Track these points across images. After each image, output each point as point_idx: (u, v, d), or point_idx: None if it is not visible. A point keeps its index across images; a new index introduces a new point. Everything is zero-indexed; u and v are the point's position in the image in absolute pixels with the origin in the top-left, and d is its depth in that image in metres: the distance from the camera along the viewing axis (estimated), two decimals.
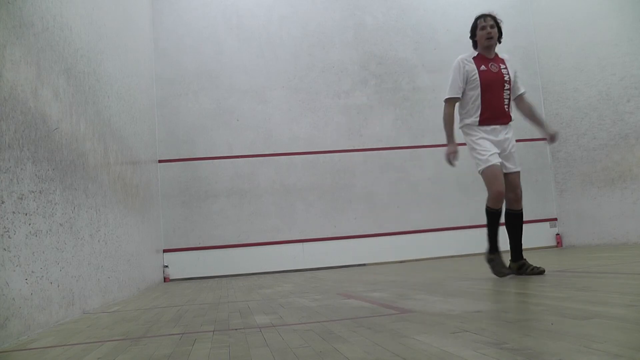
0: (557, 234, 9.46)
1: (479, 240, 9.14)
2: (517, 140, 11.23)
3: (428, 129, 9.39)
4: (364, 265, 8.82)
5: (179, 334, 2.60)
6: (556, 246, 9.42)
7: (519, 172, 4.25)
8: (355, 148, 9.30)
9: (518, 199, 4.24)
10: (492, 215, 4.12)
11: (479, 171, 4.15)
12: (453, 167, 4.43)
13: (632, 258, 5.18)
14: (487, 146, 4.09)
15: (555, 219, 9.52)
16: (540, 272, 4.09)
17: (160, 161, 8.74)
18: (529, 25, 9.92)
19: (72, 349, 2.39)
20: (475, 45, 4.38)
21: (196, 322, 3.02)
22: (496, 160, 4.05)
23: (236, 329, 2.58)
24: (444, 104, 4.30)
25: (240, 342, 2.20)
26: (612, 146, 8.19)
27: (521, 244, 4.24)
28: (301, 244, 8.88)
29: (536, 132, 9.59)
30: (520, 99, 4.37)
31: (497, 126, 4.15)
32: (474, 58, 4.26)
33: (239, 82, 9.21)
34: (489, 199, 4.09)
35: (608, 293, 2.80)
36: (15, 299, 2.71)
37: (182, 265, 8.51)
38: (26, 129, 3.00)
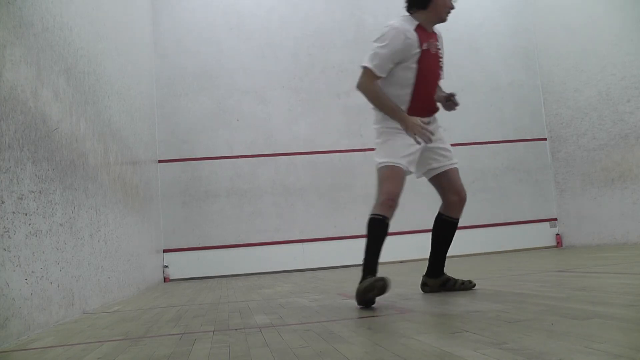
0: (557, 234, 9.46)
1: (478, 240, 9.20)
2: (517, 141, 11.17)
3: None
4: None
5: (179, 334, 2.60)
6: (556, 246, 9.41)
7: (457, 168, 3.60)
8: (355, 148, 9.29)
9: (462, 203, 3.64)
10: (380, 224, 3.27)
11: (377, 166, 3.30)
12: (429, 142, 3.28)
13: (632, 258, 5.18)
14: (407, 141, 3.24)
15: (555, 219, 9.52)
16: (472, 286, 3.49)
17: (160, 161, 8.73)
18: (529, 25, 9.91)
19: (72, 349, 2.39)
20: (414, 8, 3.25)
21: (196, 322, 3.02)
22: (405, 164, 3.25)
23: (236, 329, 2.58)
24: (362, 70, 3.31)
25: (240, 342, 2.20)
26: (612, 146, 8.18)
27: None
28: (301, 244, 8.88)
29: (536, 132, 9.72)
30: None
31: (425, 118, 3.32)
32: (416, 30, 3.20)
33: (239, 82, 9.20)
34: (377, 203, 3.32)
35: (608, 293, 2.80)
36: (15, 299, 2.71)
37: (182, 265, 8.51)
38: (26, 129, 3.00)
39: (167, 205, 8.67)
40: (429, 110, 3.36)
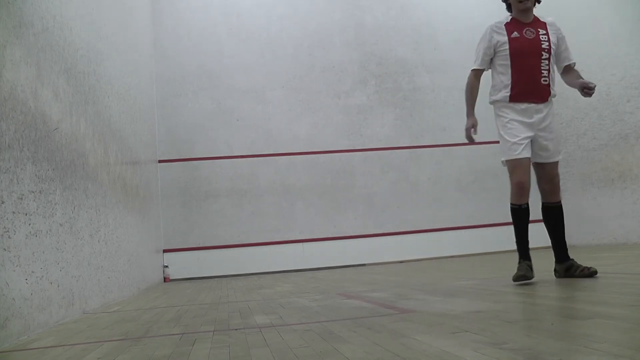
0: None
1: (478, 240, 9.20)
2: None
3: (428, 129, 9.38)
4: (364, 265, 8.82)
5: (179, 334, 2.60)
6: None
7: (557, 162, 3.73)
8: (355, 148, 9.30)
9: (555, 190, 3.72)
10: (513, 212, 3.64)
11: (501, 161, 3.70)
12: (473, 142, 3.94)
13: (632, 258, 5.18)
14: (516, 131, 3.59)
15: None
16: (591, 273, 3.48)
17: (160, 161, 8.73)
18: None
19: (72, 349, 2.39)
20: (509, 8, 3.78)
21: (196, 322, 3.02)
22: (523, 153, 3.58)
23: (236, 329, 2.58)
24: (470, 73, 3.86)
25: (240, 342, 2.20)
26: (612, 146, 8.18)
27: (565, 242, 3.67)
28: (301, 244, 8.88)
29: None
30: (567, 71, 3.80)
31: (531, 105, 3.60)
32: (506, 24, 3.71)
33: (239, 82, 9.21)
34: (511, 193, 3.64)
35: (608, 293, 2.80)
36: (15, 299, 2.71)
37: (182, 265, 8.51)
38: (26, 129, 3.00)
39: (167, 205, 8.66)
40: (536, 96, 3.63)
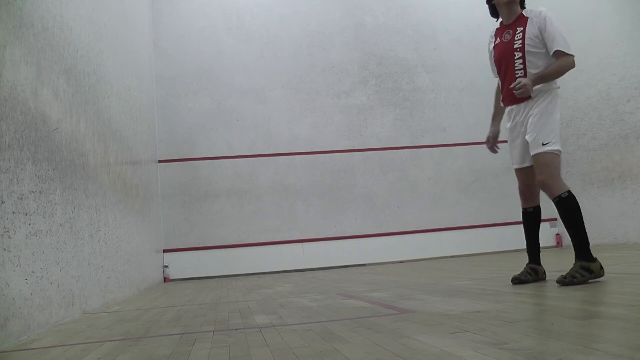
0: (557, 234, 9.46)
1: (478, 240, 9.20)
2: None
3: (428, 129, 9.39)
4: (364, 265, 8.82)
5: (179, 334, 2.60)
6: (556, 246, 9.41)
7: (536, 154, 3.48)
8: (355, 148, 9.30)
9: (545, 184, 3.43)
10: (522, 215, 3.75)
11: None
12: (495, 153, 3.96)
13: (632, 258, 5.18)
14: (509, 141, 3.70)
15: (555, 219, 9.50)
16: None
17: (160, 161, 8.74)
18: None
19: (72, 349, 2.39)
20: (493, 12, 3.75)
21: (196, 322, 3.02)
22: (515, 164, 3.69)
23: (236, 329, 2.58)
24: None
25: (240, 342, 2.20)
26: (612, 146, 8.18)
27: (573, 237, 3.51)
28: (301, 244, 8.88)
29: None
30: (556, 58, 3.51)
31: (515, 106, 3.61)
32: (496, 31, 3.74)
33: (239, 82, 9.21)
34: None
35: (608, 293, 2.80)
36: (15, 299, 2.71)
37: (182, 265, 8.51)
38: (26, 129, 3.00)
39: (167, 205, 8.67)
40: (515, 98, 3.58)
